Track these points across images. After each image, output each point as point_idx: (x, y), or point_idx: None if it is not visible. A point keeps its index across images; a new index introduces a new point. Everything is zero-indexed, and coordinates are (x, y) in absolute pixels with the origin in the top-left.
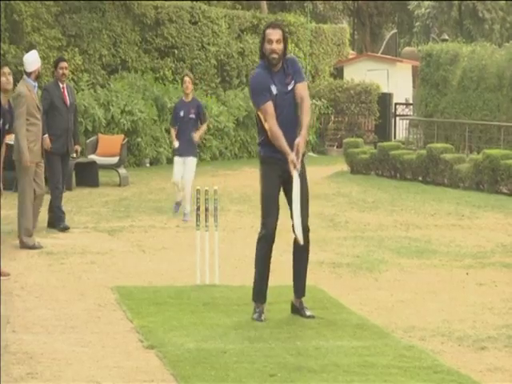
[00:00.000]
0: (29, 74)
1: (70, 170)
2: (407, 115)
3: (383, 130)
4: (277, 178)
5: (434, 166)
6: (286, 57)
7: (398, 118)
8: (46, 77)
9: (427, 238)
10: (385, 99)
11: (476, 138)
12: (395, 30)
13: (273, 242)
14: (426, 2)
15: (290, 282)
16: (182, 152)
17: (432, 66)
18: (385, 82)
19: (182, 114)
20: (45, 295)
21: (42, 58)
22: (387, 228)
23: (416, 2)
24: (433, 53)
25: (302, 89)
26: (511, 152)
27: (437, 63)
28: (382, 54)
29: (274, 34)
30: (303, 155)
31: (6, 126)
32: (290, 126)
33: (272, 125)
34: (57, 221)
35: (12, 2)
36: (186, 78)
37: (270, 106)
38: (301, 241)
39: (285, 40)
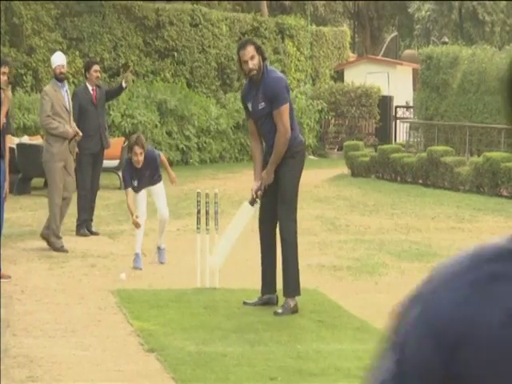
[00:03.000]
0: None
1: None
2: (407, 118)
3: (383, 133)
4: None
5: (434, 168)
6: (268, 80)
7: (398, 121)
8: (47, 80)
9: (428, 241)
10: (385, 102)
11: (476, 141)
12: (396, 33)
13: (268, 223)
14: (427, 5)
15: None
16: (142, 186)
17: (432, 69)
18: (385, 84)
19: (135, 183)
20: (45, 299)
21: (43, 62)
22: (388, 231)
23: (416, 5)
24: (433, 56)
25: (276, 116)
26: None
27: (437, 66)
28: (382, 56)
29: (246, 54)
30: (298, 154)
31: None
32: (269, 136)
33: (251, 141)
34: (79, 225)
35: (12, 4)
36: (137, 149)
37: (250, 123)
38: (215, 265)
39: (259, 52)
